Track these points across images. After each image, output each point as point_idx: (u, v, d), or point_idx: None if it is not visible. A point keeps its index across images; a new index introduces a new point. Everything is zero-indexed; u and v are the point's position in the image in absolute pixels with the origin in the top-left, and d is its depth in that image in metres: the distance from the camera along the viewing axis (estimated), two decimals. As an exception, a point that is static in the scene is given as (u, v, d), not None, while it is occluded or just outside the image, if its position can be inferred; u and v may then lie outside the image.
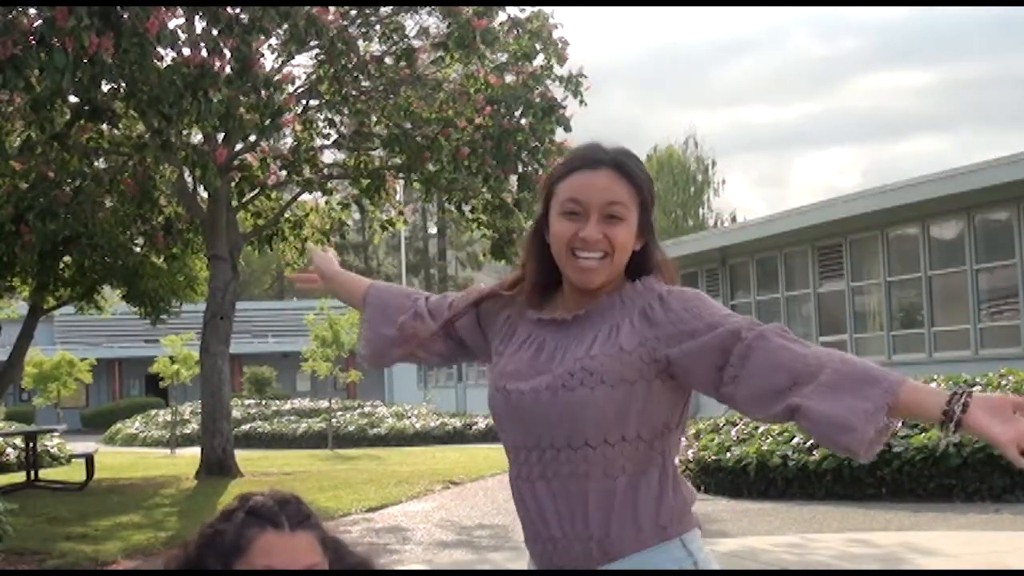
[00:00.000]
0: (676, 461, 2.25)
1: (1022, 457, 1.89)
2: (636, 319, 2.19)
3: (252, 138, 15.24)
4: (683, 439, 2.38)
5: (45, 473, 17.13)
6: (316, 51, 15.26)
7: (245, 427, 27.79)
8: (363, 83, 15.79)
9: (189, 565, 2.00)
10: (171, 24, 11.66)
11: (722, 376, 2.10)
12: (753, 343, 2.08)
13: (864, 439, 1.98)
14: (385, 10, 15.60)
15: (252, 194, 17.41)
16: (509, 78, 16.27)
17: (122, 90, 12.72)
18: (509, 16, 16.06)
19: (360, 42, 15.66)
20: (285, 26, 13.33)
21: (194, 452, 20.03)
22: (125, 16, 10.35)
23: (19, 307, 24.19)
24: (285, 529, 1.96)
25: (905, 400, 1.97)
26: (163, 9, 11.03)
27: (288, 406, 33.07)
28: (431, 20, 15.92)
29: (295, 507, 2.00)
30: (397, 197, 18.97)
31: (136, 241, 17.62)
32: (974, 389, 2.00)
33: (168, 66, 11.77)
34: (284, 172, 17.01)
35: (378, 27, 15.71)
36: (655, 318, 2.18)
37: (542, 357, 2.24)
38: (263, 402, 34.85)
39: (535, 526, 2.23)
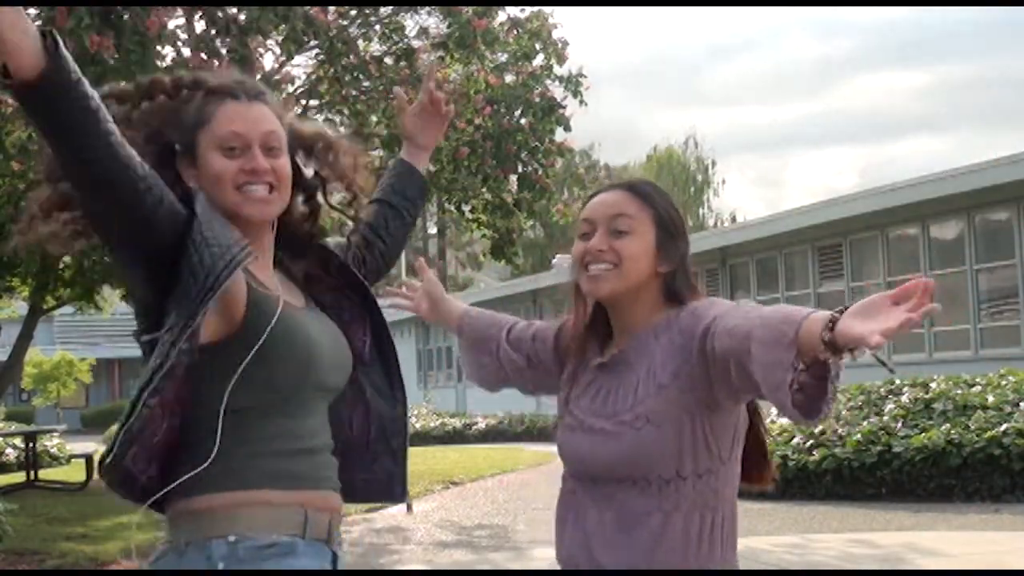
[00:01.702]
0: (734, 503, 2.26)
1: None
2: (667, 351, 2.20)
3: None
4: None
5: (45, 473, 17.13)
6: (316, 51, 15.25)
7: (245, 427, 27.75)
8: (363, 83, 15.79)
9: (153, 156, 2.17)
10: (171, 24, 11.65)
11: (725, 376, 2.08)
12: (716, 335, 2.08)
13: (789, 392, 1.87)
14: (385, 10, 15.59)
15: (252, 194, 17.41)
16: (509, 78, 16.27)
17: (122, 90, 12.70)
18: (509, 16, 16.06)
19: (360, 42, 15.66)
20: (283, 27, 13.31)
21: (194, 452, 19.99)
22: (126, 16, 10.33)
23: (19, 307, 24.18)
24: (243, 99, 2.21)
25: (802, 335, 1.86)
26: (161, 8, 11.01)
27: (288, 406, 33.01)
28: (431, 20, 15.92)
29: (251, 83, 2.27)
30: (397, 197, 18.95)
31: (136, 241, 17.61)
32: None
33: (168, 66, 11.76)
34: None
35: (378, 27, 15.70)
36: (679, 344, 2.18)
37: (596, 402, 2.27)
38: (263, 402, 34.77)
39: (577, 551, 2.26)
